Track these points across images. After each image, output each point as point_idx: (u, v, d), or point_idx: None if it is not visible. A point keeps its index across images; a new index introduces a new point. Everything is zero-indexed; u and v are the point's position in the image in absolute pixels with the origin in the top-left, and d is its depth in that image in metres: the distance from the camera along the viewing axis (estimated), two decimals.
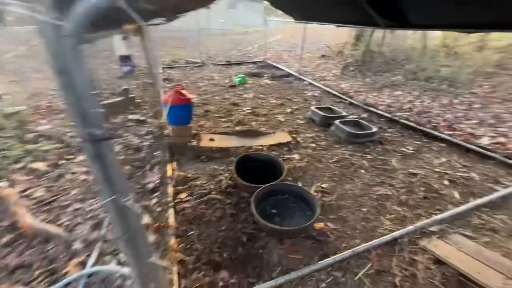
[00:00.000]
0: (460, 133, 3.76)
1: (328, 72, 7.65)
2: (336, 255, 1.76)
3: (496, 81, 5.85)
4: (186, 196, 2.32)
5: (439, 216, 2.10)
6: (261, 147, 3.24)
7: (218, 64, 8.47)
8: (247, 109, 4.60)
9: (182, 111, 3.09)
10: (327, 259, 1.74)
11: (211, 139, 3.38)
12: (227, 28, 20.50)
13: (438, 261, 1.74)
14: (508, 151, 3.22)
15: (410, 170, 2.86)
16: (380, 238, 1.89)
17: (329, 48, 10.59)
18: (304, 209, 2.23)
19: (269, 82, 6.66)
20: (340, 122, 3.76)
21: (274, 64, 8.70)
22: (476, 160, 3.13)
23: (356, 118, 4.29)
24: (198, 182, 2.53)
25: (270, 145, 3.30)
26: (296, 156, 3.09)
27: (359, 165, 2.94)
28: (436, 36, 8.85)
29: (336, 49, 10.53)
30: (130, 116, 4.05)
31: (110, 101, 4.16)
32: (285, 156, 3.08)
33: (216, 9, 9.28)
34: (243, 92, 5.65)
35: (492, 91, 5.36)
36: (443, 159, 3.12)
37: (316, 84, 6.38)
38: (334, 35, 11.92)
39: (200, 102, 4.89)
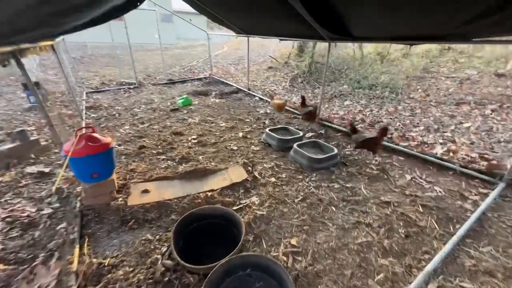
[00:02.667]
0: (415, 143, 3.71)
1: (277, 85, 7.41)
2: None
3: (426, 84, 6.33)
4: None
5: (430, 266, 1.73)
6: (211, 192, 2.57)
7: (159, 84, 7.52)
8: (193, 139, 3.88)
9: (95, 163, 2.23)
10: None
11: (145, 191, 2.58)
12: (168, 43, 19.36)
13: None
14: (464, 159, 3.21)
15: (382, 198, 2.54)
16: None
17: (275, 60, 10.56)
18: (274, 286, 1.65)
19: (217, 100, 6.04)
20: (299, 145, 3.35)
21: (222, 79, 8.15)
22: (436, 173, 3.01)
23: (314, 136, 3.97)
24: (120, 272, 1.72)
25: (223, 188, 2.66)
26: (256, 200, 2.50)
27: (328, 200, 2.51)
28: (369, 45, 9.54)
29: (282, 60, 10.55)
30: (28, 169, 2.95)
31: None
32: (241, 202, 2.47)
33: (150, 23, 8.40)
34: (187, 116, 4.90)
35: (426, 95, 5.73)
36: (408, 177, 2.92)
37: (267, 99, 6.01)
38: (278, 46, 12.03)
39: (133, 135, 3.98)
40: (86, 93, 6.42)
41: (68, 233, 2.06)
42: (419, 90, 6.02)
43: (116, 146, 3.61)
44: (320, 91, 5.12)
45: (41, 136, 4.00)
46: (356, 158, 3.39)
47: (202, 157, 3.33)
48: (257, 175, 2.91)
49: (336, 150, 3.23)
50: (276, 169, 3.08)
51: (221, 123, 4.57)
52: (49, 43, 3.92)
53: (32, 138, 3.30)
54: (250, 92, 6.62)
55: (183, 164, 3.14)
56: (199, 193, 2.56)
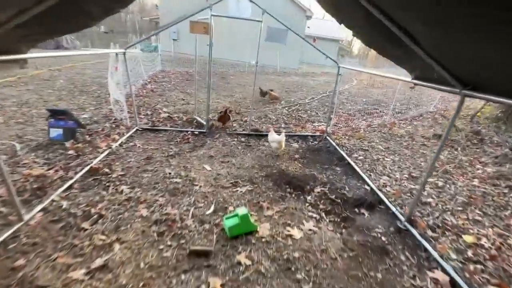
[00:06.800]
0: None
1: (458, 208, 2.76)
2: None
3: None
4: None
5: None
6: None
7: (238, 134, 4.61)
8: None
9: None
10: None
11: None
12: (291, 67, 17.25)
13: None
14: None
15: None
16: None
17: (447, 120, 5.56)
18: None
19: (316, 230, 2.30)
20: None
21: (341, 148, 4.31)
22: None
23: None
24: None
25: None
26: None
27: None
28: None
29: (465, 127, 5.50)
30: None
31: None
32: None
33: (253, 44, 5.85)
34: None
35: None
36: None
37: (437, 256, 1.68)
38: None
39: None
40: (136, 130, 4.33)
41: None
42: None
43: None
44: None
45: None
46: None
47: None
48: None
49: None
50: None
51: None
52: None
53: None
54: (403, 221, 2.45)
55: None
56: None
